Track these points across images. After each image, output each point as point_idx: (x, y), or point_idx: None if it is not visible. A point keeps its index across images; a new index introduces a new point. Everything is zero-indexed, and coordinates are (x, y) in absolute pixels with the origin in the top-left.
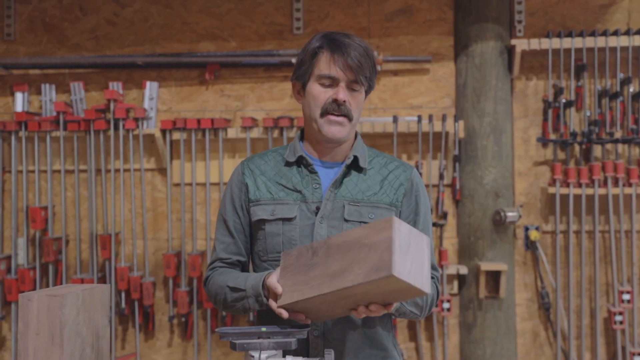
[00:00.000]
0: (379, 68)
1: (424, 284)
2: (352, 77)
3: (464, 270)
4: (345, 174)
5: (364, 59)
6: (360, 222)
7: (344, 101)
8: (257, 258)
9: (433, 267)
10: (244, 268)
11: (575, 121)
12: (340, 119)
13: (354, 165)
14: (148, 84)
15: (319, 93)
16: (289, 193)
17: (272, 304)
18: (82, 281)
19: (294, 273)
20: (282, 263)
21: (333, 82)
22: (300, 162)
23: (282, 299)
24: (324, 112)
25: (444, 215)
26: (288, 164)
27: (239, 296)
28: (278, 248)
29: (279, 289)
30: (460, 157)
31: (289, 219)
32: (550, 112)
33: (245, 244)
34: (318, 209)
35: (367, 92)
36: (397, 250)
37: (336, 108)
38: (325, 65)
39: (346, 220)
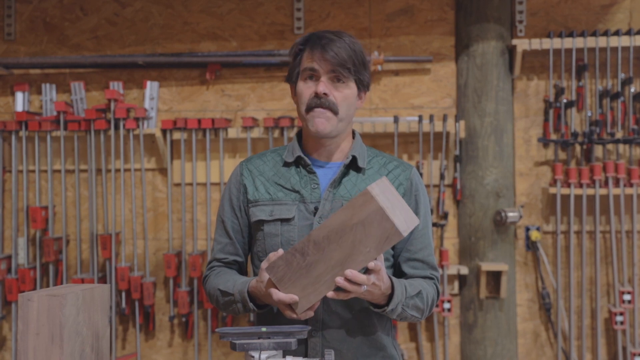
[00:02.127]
0: (379, 68)
1: (414, 218)
2: (330, 68)
3: (464, 270)
4: (344, 174)
5: (345, 52)
6: None
7: (325, 94)
8: (256, 258)
9: (432, 267)
10: (241, 268)
11: (576, 121)
12: (324, 111)
13: (353, 165)
14: (149, 83)
15: (303, 89)
16: (288, 193)
17: (294, 316)
18: (82, 281)
19: (295, 279)
20: (274, 277)
21: (315, 76)
22: (299, 162)
23: (300, 306)
24: (309, 108)
25: (445, 216)
26: (286, 164)
27: (228, 300)
28: (277, 249)
29: (295, 297)
30: (461, 157)
31: (287, 220)
32: (551, 112)
33: (242, 245)
34: (316, 209)
35: (360, 89)
36: (391, 213)
37: (318, 102)
38: (306, 60)
39: None
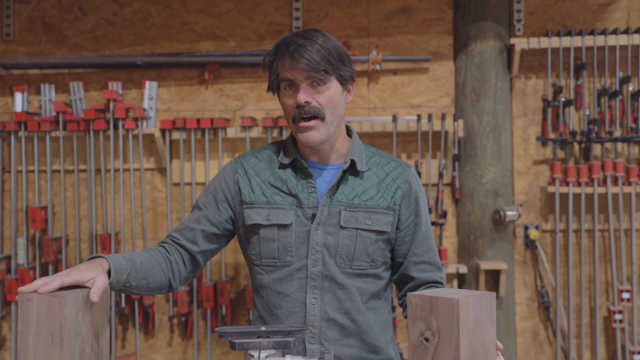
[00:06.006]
0: (378, 67)
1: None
2: (305, 75)
3: (463, 269)
4: (341, 177)
5: (318, 54)
6: (357, 228)
7: (306, 102)
8: (249, 262)
9: (439, 269)
10: (192, 257)
11: (574, 120)
12: (310, 122)
13: (351, 169)
14: (147, 83)
15: (286, 101)
16: (285, 197)
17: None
18: None
19: None
20: None
21: (294, 85)
22: (295, 164)
23: None
24: (294, 119)
25: (444, 214)
26: (283, 166)
27: None
28: (273, 254)
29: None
30: (459, 156)
31: (285, 226)
32: (549, 111)
33: (204, 236)
34: (314, 215)
35: (344, 83)
36: None
37: (302, 111)
38: (282, 69)
39: (342, 227)
